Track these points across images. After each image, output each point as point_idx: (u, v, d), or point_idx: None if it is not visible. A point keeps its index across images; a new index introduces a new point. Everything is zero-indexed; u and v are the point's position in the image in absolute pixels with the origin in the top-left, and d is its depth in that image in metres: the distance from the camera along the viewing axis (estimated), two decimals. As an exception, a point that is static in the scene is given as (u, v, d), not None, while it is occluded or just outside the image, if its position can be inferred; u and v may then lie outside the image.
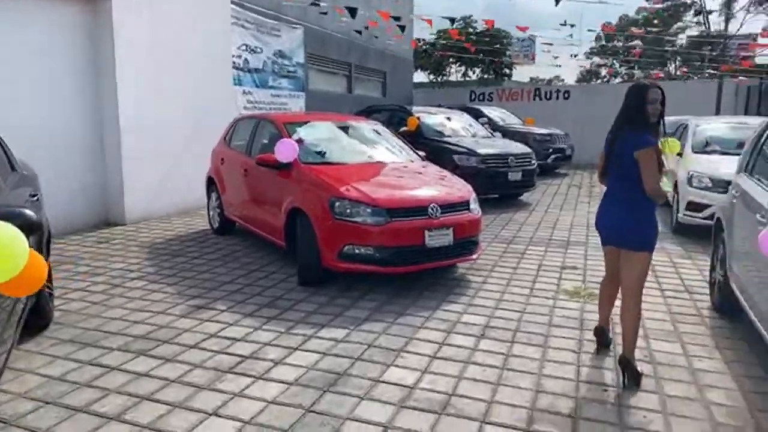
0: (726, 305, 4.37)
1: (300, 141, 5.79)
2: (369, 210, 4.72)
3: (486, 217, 8.31)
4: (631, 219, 3.26)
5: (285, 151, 5.30)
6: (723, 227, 4.50)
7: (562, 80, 46.75)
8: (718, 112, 16.72)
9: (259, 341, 3.84)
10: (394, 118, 11.32)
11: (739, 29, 29.56)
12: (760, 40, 18.41)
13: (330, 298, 4.70)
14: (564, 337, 3.97)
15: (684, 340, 3.96)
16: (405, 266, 4.76)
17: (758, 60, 20.97)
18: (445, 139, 10.26)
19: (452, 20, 12.00)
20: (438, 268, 5.17)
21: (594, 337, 3.77)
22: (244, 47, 11.22)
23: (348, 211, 4.74)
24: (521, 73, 39.99)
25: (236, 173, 6.51)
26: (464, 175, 8.17)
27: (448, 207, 5.03)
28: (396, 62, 19.21)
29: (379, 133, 6.73)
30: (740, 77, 18.68)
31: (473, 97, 20.34)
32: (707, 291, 4.93)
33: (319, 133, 6.29)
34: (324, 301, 4.63)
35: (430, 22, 13.01)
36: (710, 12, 24.53)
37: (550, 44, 17.32)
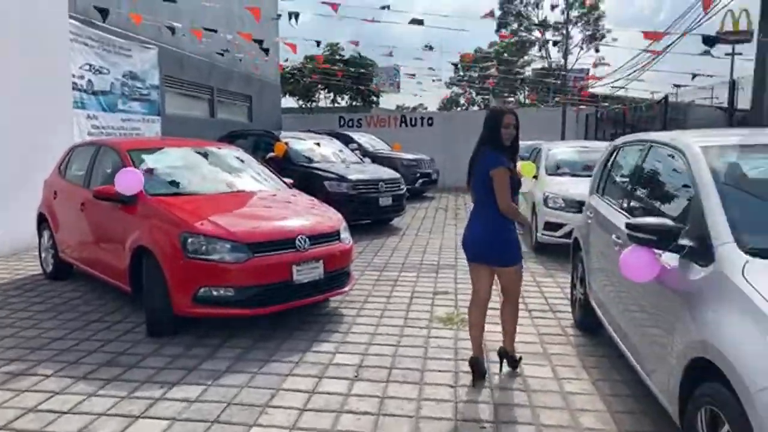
0: (587, 322, 4.52)
1: (149, 170, 5.17)
2: (228, 246, 4.26)
3: (358, 244, 8.13)
4: (494, 236, 3.50)
5: (126, 182, 4.65)
6: (580, 246, 4.69)
7: (426, 108, 49.07)
8: (563, 138, 18.38)
9: (92, 412, 3.20)
10: (261, 144, 10.87)
11: (574, 63, 33.25)
12: (593, 72, 20.73)
13: (184, 349, 4.14)
14: (440, 371, 3.80)
15: (553, 362, 3.99)
16: (271, 306, 4.34)
17: (593, 90, 23.56)
18: (315, 165, 10.01)
19: (318, 43, 11.87)
20: (308, 304, 4.81)
21: (470, 368, 3.65)
22: (87, 67, 10.10)
23: (203, 248, 4.24)
24: (388, 101, 41.30)
25: (72, 208, 5.66)
26: (335, 201, 8.00)
27: (318, 238, 4.72)
28: (263, 86, 18.71)
29: (241, 160, 6.27)
30: (579, 106, 20.80)
31: (342, 123, 20.43)
32: (569, 309, 5.10)
33: (172, 160, 5.68)
34: (177, 353, 4.06)
35: (294, 47, 12.77)
36: (555, 43, 27.14)
37: (413, 75, 17.87)
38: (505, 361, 3.78)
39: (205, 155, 6.08)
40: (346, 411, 3.23)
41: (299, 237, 4.52)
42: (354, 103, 32.20)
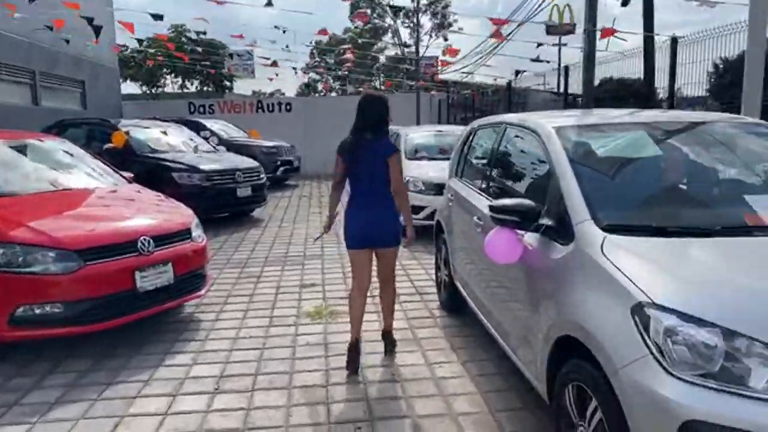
0: (452, 303, 4.59)
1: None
2: (52, 254, 3.61)
3: (216, 240, 7.60)
4: (389, 219, 3.57)
5: None
6: (443, 229, 4.73)
7: (284, 93, 47.99)
8: (418, 122, 18.94)
9: None
10: (96, 134, 9.68)
11: (425, 51, 34.51)
12: (442, 59, 21.62)
13: (2, 381, 3.45)
14: (310, 371, 3.58)
15: (424, 346, 3.96)
16: (111, 321, 3.77)
17: (444, 76, 24.59)
18: (162, 155, 9.14)
19: (159, 17, 10.75)
20: (159, 313, 4.28)
21: (347, 354, 3.55)
22: None
23: (19, 259, 3.55)
24: (243, 87, 39.56)
25: None
26: (187, 194, 7.40)
27: (165, 238, 4.22)
28: (97, 70, 16.80)
29: (69, 154, 5.44)
30: (432, 91, 21.59)
31: (193, 109, 19.09)
32: (435, 291, 5.15)
33: (-23, 156, 4.74)
34: (-9, 388, 3.37)
35: (131, 26, 11.48)
36: (408, 26, 27.82)
37: (268, 58, 17.21)
38: (387, 343, 3.86)
39: (23, 149, 5.17)
40: (206, 431, 2.88)
41: (142, 238, 3.99)
42: (205, 89, 30.42)
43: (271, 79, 17.91)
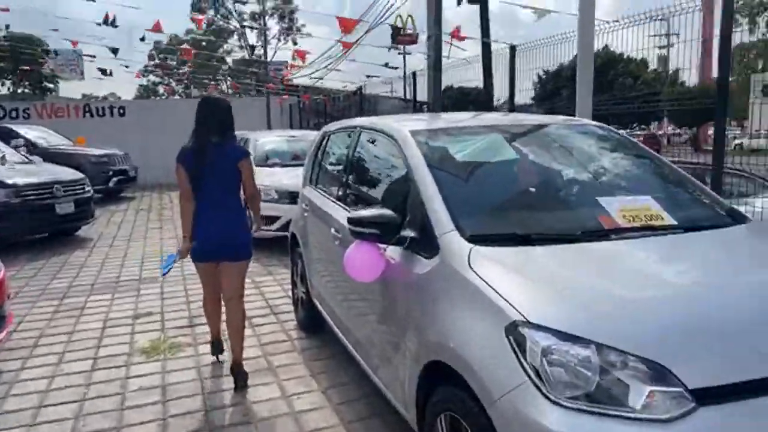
0: (310, 322, 4.24)
1: None
2: None
3: (30, 267, 6.44)
4: (238, 229, 3.34)
5: None
6: (299, 242, 4.35)
7: (120, 97, 43.97)
8: (269, 127, 18.31)
9: None
10: None
11: (273, 55, 33.75)
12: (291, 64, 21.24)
13: None
14: (143, 422, 2.99)
15: (280, 376, 3.56)
16: None
17: (295, 81, 24.15)
18: (-45, 168, 7.58)
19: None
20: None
21: (211, 346, 3.79)
22: None
23: None
24: (69, 89, 35.26)
25: None
26: (-10, 215, 6.19)
27: (-58, 272, 3.31)
28: None
29: None
30: (283, 96, 21.07)
31: (2, 113, 16.50)
32: (292, 309, 4.75)
33: None
34: None
35: None
36: (252, 29, 26.86)
37: (93, 56, 15.38)
38: (237, 379, 3.39)
39: None
40: None
41: None
42: (20, 90, 26.63)
43: (102, 78, 15.99)
